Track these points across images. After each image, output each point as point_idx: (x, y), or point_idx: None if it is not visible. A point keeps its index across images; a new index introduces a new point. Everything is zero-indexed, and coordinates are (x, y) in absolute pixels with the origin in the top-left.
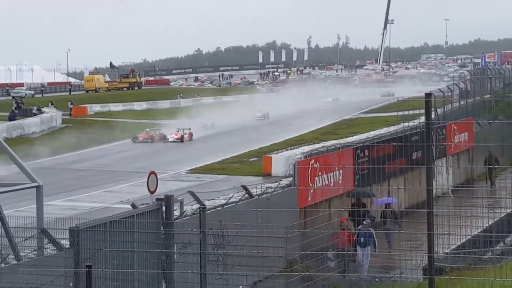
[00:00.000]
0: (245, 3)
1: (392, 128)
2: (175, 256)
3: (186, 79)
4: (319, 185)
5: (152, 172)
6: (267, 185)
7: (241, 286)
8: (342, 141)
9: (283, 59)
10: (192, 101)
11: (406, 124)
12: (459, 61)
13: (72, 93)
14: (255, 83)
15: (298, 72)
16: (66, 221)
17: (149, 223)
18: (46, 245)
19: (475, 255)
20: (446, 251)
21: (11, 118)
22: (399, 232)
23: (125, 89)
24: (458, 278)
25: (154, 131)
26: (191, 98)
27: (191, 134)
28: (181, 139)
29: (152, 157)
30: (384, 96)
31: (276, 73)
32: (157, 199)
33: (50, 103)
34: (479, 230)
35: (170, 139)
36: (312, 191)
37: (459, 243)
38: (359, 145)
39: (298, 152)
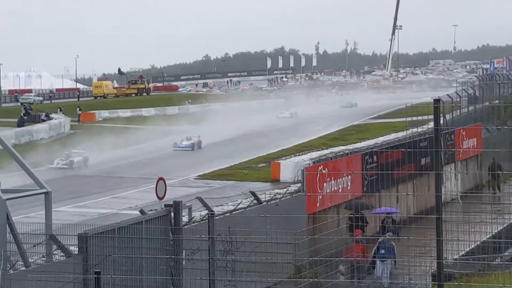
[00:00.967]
0: (253, 9)
1: (400, 134)
2: (184, 262)
3: (196, 85)
4: (328, 191)
5: (161, 178)
6: (276, 191)
7: None
8: (350, 147)
9: (291, 65)
10: (201, 107)
11: (414, 130)
12: (467, 67)
13: (80, 99)
14: (263, 88)
15: (307, 78)
16: (75, 227)
17: (158, 229)
18: (54, 251)
19: (484, 261)
20: (455, 257)
21: (20, 124)
22: (397, 238)
23: (134, 95)
24: (467, 285)
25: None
26: (200, 104)
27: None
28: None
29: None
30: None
31: (285, 79)
32: (165, 205)
33: (58, 109)
34: (488, 236)
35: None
36: (320, 197)
37: (468, 249)
38: (368, 151)
39: (306, 158)
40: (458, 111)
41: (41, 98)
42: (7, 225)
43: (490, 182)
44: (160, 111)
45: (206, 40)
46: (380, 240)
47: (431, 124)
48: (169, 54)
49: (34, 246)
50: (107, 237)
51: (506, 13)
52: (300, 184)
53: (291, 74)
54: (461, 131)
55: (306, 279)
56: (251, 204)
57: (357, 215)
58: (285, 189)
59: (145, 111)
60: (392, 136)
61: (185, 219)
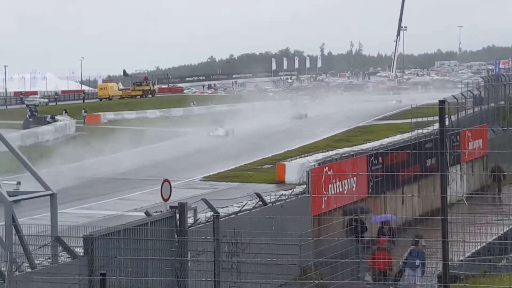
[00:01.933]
0: (258, 10)
1: (406, 135)
2: (189, 264)
3: (203, 86)
4: (333, 192)
5: (166, 180)
6: (281, 192)
7: None
8: (355, 148)
9: (296, 66)
10: (206, 109)
11: (420, 131)
12: (473, 68)
13: (85, 101)
14: (268, 90)
15: (312, 79)
16: (80, 229)
17: (163, 231)
18: (60, 253)
19: (490, 263)
20: (461, 258)
21: (25, 126)
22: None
23: (139, 96)
24: (473, 286)
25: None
26: (205, 106)
27: None
28: None
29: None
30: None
31: (290, 81)
32: (170, 207)
33: (64, 111)
34: (494, 237)
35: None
36: (326, 198)
37: (474, 251)
38: (373, 152)
39: (311, 159)
40: (464, 112)
41: (46, 100)
42: (13, 227)
43: (491, 186)
44: (165, 113)
45: (211, 41)
46: (411, 247)
47: (437, 125)
48: (174, 55)
49: (40, 247)
50: (113, 238)
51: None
52: (305, 185)
53: (296, 75)
54: (467, 132)
55: (312, 281)
56: (256, 205)
57: (357, 217)
58: (290, 191)
59: (150, 113)
60: (398, 138)
61: (190, 220)
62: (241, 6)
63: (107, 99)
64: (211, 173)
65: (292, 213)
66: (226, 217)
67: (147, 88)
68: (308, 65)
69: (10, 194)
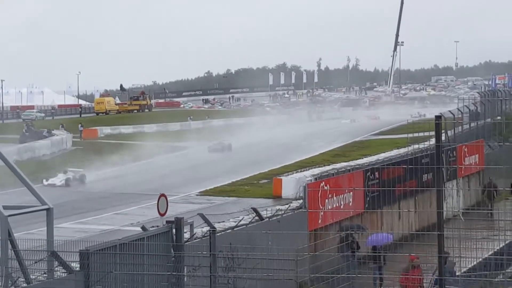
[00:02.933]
0: (254, 25)
1: (402, 150)
2: (185, 279)
3: (203, 101)
4: (330, 207)
5: (162, 195)
6: (278, 207)
7: None
8: (352, 163)
9: (293, 81)
10: (203, 123)
11: (416, 146)
12: (469, 83)
13: (82, 115)
14: (265, 105)
15: (309, 94)
16: (76, 244)
17: (159, 246)
18: (56, 268)
19: (486, 278)
20: (457, 273)
21: (22, 140)
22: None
23: (135, 111)
24: None
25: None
26: (201, 120)
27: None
28: None
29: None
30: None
31: (286, 95)
32: (167, 222)
33: (60, 126)
34: (490, 252)
35: None
36: (322, 213)
37: (470, 266)
38: (370, 167)
39: (308, 174)
40: (460, 127)
41: (43, 115)
42: (9, 242)
43: (482, 202)
44: (162, 127)
45: (208, 56)
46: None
47: (433, 141)
48: (171, 70)
49: (36, 262)
50: (109, 253)
51: (508, 29)
52: (302, 200)
53: (293, 90)
54: (463, 147)
55: None
56: (253, 220)
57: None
58: (286, 206)
59: (147, 127)
60: (394, 153)
61: (186, 235)
62: (238, 21)
63: (104, 114)
64: (208, 188)
65: (289, 228)
66: (223, 232)
67: (144, 102)
68: (305, 80)
69: (5, 207)
